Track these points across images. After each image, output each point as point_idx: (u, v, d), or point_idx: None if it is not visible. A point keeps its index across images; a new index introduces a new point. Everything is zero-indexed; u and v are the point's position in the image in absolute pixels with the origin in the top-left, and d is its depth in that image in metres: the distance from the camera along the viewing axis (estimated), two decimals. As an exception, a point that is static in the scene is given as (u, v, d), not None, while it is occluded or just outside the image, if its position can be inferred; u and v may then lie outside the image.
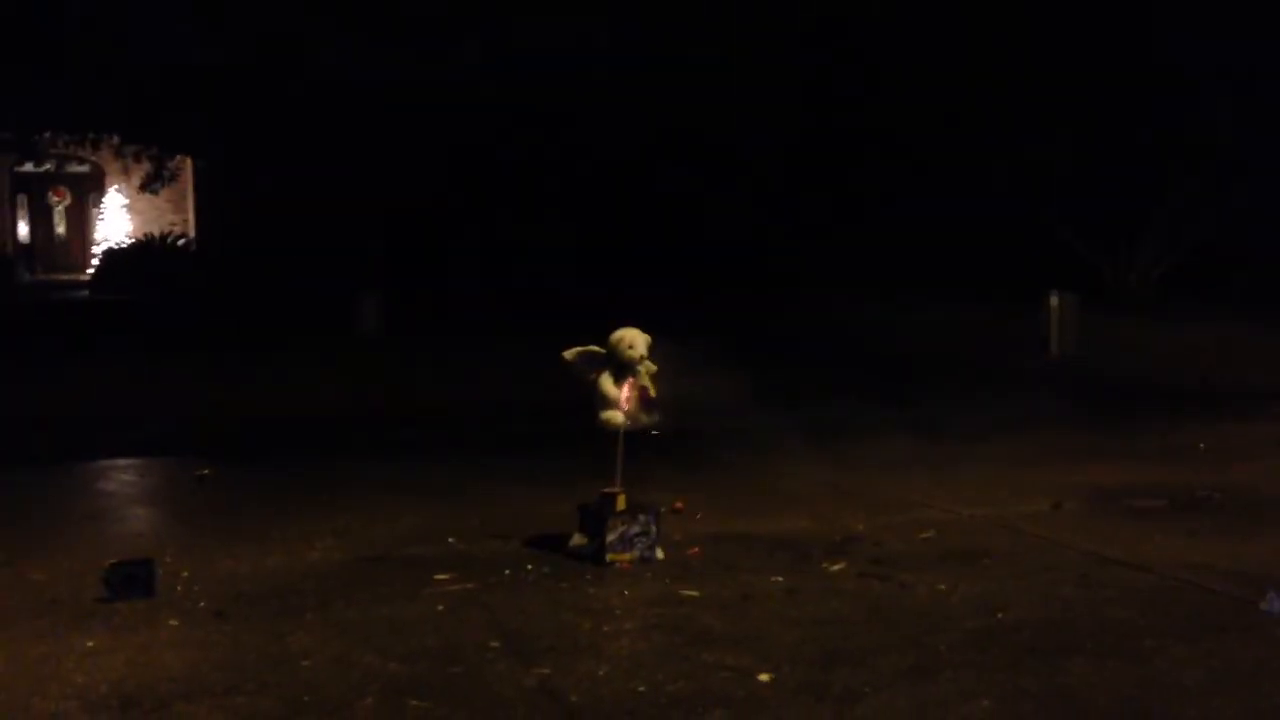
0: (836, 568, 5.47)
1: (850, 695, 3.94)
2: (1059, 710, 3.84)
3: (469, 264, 18.74)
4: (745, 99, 16.06)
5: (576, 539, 5.65)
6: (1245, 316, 16.81)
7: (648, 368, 5.64)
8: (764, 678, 4.09)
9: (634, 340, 5.56)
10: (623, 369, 5.57)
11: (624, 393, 5.59)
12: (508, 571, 5.40)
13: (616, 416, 5.60)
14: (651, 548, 5.53)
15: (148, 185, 18.54)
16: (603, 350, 5.61)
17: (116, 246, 22.76)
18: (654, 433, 5.74)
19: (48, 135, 18.53)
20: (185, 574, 5.36)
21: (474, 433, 9.55)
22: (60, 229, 25.64)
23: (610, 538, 5.47)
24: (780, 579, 5.27)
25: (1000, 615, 4.77)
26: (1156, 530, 6.19)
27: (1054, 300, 14.16)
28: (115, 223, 24.88)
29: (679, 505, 6.50)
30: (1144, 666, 4.21)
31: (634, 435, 5.70)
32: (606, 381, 5.59)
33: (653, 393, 5.63)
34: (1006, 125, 19.07)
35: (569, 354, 5.68)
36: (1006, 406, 10.99)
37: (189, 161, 22.16)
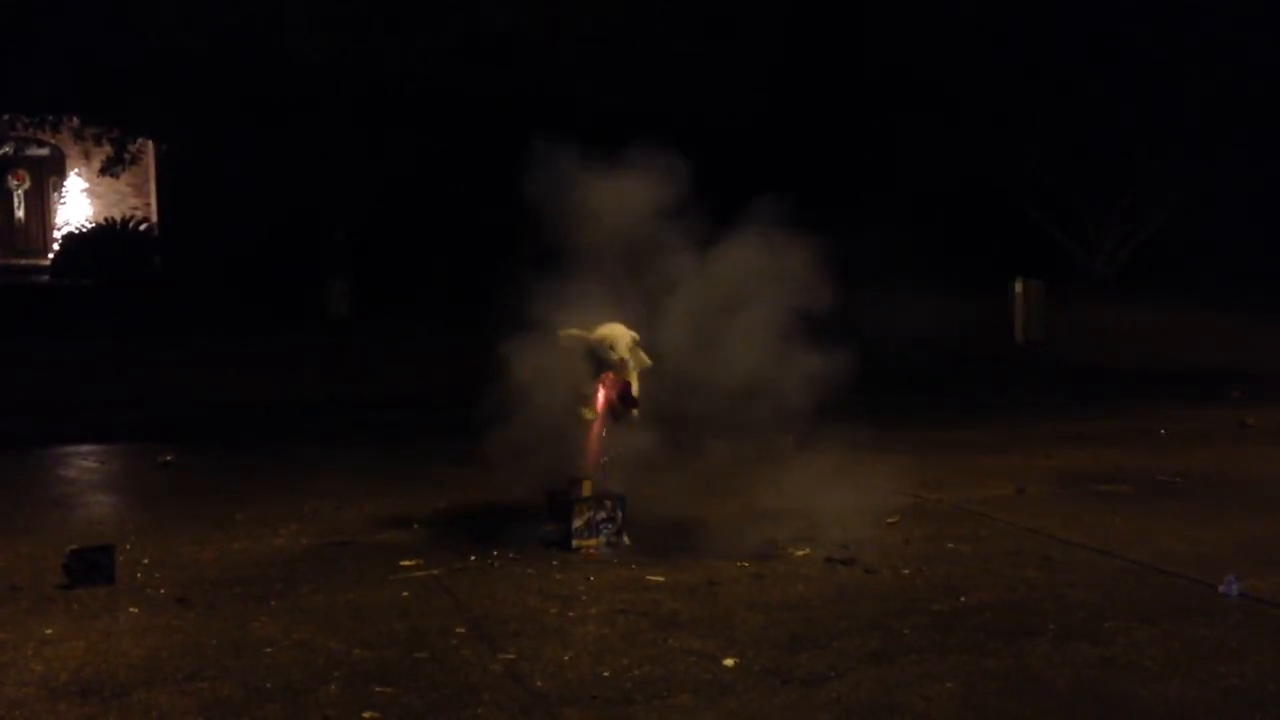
0: (802, 553, 5.49)
1: (815, 679, 3.96)
2: (1021, 691, 3.87)
3: (440, 250, 18.63)
4: (716, 80, 16.00)
5: (543, 525, 5.64)
6: (1208, 301, 17.02)
7: (640, 361, 5.63)
8: (729, 662, 4.10)
9: (615, 341, 5.55)
10: (603, 365, 5.57)
11: (600, 388, 5.60)
12: (473, 557, 5.38)
13: (590, 414, 5.63)
14: (618, 534, 5.54)
15: (108, 168, 18.24)
16: (591, 338, 5.59)
17: (77, 230, 22.42)
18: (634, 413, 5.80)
19: (6, 117, 18.23)
20: (146, 561, 5.31)
21: (441, 418, 9.49)
22: (20, 212, 25.25)
23: (577, 524, 5.47)
24: (746, 564, 5.29)
25: (964, 598, 4.81)
26: (1119, 514, 6.25)
27: (1018, 287, 14.26)
28: (76, 207, 24.52)
29: (646, 491, 6.49)
30: (1105, 648, 4.25)
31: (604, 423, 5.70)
32: (588, 378, 5.60)
33: (635, 390, 5.62)
34: (980, 109, 19.18)
35: (563, 334, 5.66)
36: (971, 392, 11.07)
37: (151, 145, 21.86)
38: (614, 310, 5.79)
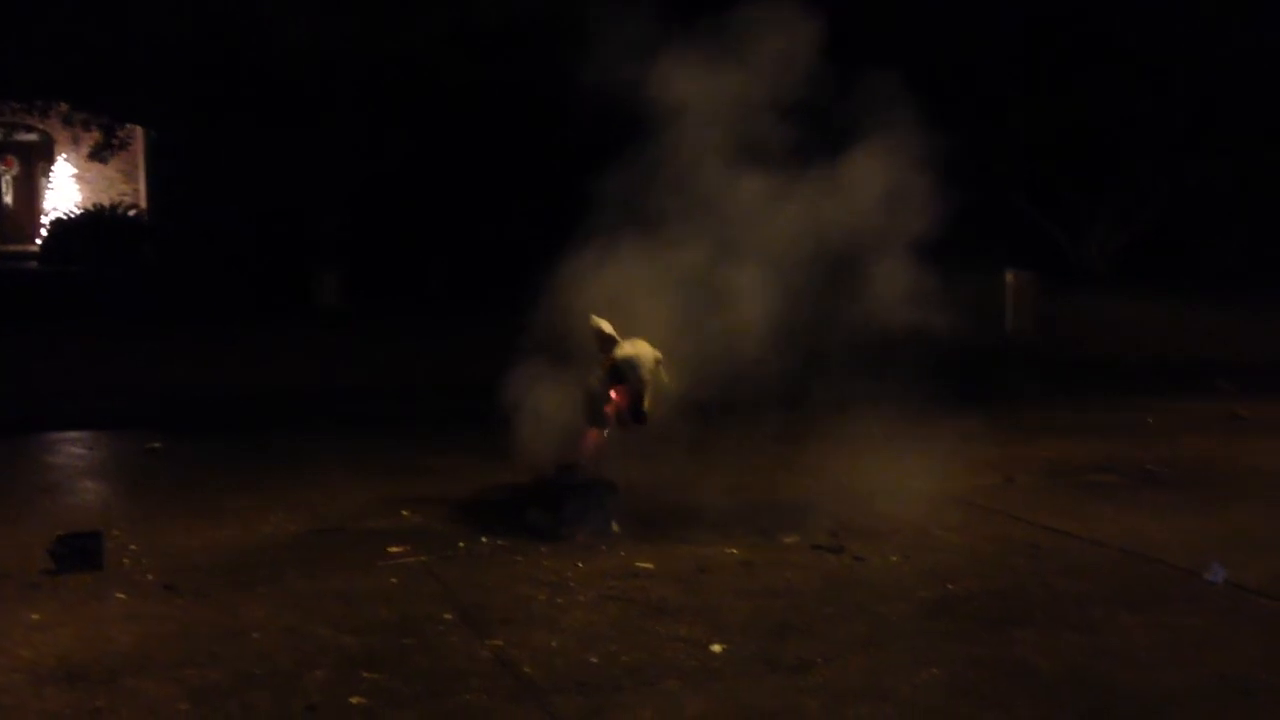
0: (791, 540, 5.50)
1: (802, 665, 3.96)
2: (1009, 679, 3.88)
3: (436, 241, 18.58)
4: None
5: (532, 512, 5.64)
6: (1200, 293, 17.05)
7: (659, 380, 5.63)
8: (717, 648, 4.11)
9: (639, 362, 5.53)
10: (621, 378, 5.57)
11: (614, 397, 5.61)
12: (462, 544, 5.38)
13: (600, 427, 5.68)
14: (607, 521, 5.54)
15: (96, 154, 18.17)
16: (617, 356, 5.57)
17: (66, 217, 22.34)
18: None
19: (-5, 103, 18.19)
20: (134, 547, 5.30)
21: (432, 408, 9.48)
22: (8, 199, 25.19)
23: (566, 511, 5.47)
24: (735, 551, 5.30)
25: (952, 586, 4.82)
26: (1107, 504, 6.27)
27: (1010, 277, 14.27)
28: (65, 192, 24.45)
29: (636, 478, 6.49)
30: (1092, 636, 4.27)
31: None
32: (601, 388, 5.60)
33: (647, 403, 5.61)
34: (974, 100, 19.16)
35: (594, 322, 5.65)
36: (961, 382, 11.06)
37: (140, 130, 21.78)
38: (637, 313, 5.81)
